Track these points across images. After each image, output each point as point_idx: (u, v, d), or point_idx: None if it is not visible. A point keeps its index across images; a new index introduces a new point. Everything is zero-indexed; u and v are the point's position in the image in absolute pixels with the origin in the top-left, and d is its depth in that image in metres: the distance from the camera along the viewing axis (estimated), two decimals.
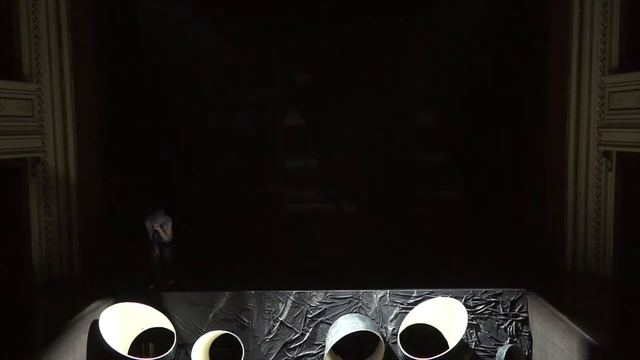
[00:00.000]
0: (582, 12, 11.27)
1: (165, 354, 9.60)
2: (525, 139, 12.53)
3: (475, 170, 13.08)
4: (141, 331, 10.10)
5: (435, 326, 10.16)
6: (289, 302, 10.11)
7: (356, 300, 10.13)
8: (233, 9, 12.69)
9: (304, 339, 10.09)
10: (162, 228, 10.73)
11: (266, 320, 10.06)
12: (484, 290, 10.10)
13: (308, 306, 10.12)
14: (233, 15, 12.78)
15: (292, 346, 10.03)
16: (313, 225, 13.55)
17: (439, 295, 10.04)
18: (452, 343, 9.62)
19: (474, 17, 12.68)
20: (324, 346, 9.98)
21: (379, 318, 10.08)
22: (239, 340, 9.83)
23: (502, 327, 10.00)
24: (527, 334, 9.97)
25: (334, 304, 10.14)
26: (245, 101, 13.30)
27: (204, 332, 9.96)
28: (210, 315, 10.03)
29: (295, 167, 13.91)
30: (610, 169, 11.09)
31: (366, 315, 10.05)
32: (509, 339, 9.95)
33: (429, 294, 10.08)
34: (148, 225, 10.77)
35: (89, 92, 11.87)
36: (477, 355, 9.93)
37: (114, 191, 12.42)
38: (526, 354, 9.86)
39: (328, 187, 14.01)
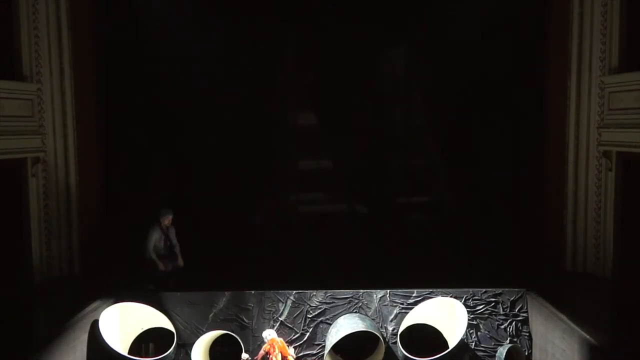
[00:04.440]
0: (582, 12, 11.27)
1: (165, 354, 9.60)
2: (525, 139, 12.52)
3: (475, 170, 13.06)
4: (141, 331, 10.10)
5: (435, 326, 10.16)
6: (289, 302, 10.11)
7: (356, 300, 10.13)
8: (237, 7, 12.67)
9: (304, 339, 10.09)
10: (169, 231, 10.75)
11: (266, 320, 10.05)
12: (484, 290, 10.10)
13: (308, 306, 10.12)
14: (236, 14, 12.75)
15: (292, 346, 10.01)
16: (313, 226, 13.55)
17: (439, 295, 10.04)
18: (452, 343, 9.62)
19: (473, 17, 12.67)
20: (324, 346, 9.98)
21: (379, 318, 10.08)
22: (239, 340, 9.83)
23: (502, 327, 10.00)
24: (527, 334, 9.97)
25: (334, 304, 10.14)
26: (249, 101, 13.27)
27: (204, 332, 9.96)
28: (210, 315, 10.04)
29: (297, 168, 13.88)
30: (610, 169, 11.09)
31: (366, 315, 10.06)
32: (509, 339, 9.95)
33: (429, 294, 10.08)
34: (156, 234, 10.68)
35: (89, 92, 11.87)
36: (477, 355, 9.93)
37: (114, 191, 12.41)
38: (526, 354, 9.86)
39: (329, 189, 14.01)
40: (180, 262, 10.89)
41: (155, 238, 10.70)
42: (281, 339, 9.77)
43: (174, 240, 10.87)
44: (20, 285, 10.79)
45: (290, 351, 9.82)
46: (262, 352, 9.62)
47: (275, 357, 9.51)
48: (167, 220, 10.76)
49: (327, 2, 12.92)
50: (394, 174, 13.86)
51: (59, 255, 11.52)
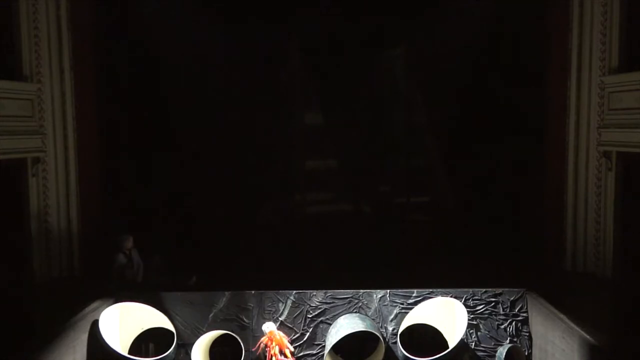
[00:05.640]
0: (582, 12, 11.27)
1: (165, 354, 9.60)
2: (525, 139, 12.51)
3: (475, 171, 13.06)
4: (141, 331, 10.10)
5: (435, 326, 10.16)
6: (289, 302, 10.11)
7: (356, 300, 10.13)
8: (238, 7, 12.66)
9: (304, 339, 10.09)
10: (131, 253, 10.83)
11: (266, 321, 10.03)
12: (484, 290, 10.09)
13: (308, 306, 10.12)
14: (238, 13, 12.73)
15: (292, 346, 10.01)
16: (312, 226, 13.56)
17: (439, 295, 10.04)
18: (452, 343, 9.62)
19: (473, 17, 12.68)
20: (324, 346, 9.99)
21: (379, 318, 10.08)
22: (239, 340, 9.83)
23: (502, 327, 10.00)
24: (527, 334, 9.97)
25: (334, 304, 10.14)
26: (250, 101, 13.26)
27: (204, 332, 9.96)
28: (210, 315, 10.04)
29: (298, 169, 13.89)
30: (610, 169, 11.09)
31: (366, 315, 10.06)
32: (509, 339, 9.95)
33: (429, 294, 10.08)
34: (121, 257, 10.75)
35: (89, 92, 11.87)
36: (477, 355, 9.93)
37: (114, 191, 12.41)
38: (526, 354, 9.86)
39: (329, 189, 14.02)
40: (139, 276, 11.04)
41: (118, 265, 10.72)
42: (280, 332, 9.78)
43: (139, 260, 10.95)
44: (20, 285, 10.79)
45: (290, 346, 9.81)
46: (261, 344, 9.65)
47: (273, 348, 9.54)
48: (128, 245, 10.81)
49: (329, 3, 12.93)
50: (393, 174, 13.86)
51: (59, 255, 11.52)
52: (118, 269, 10.68)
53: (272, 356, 9.60)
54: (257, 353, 9.70)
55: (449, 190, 13.69)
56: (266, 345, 9.63)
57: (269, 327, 9.74)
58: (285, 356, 9.69)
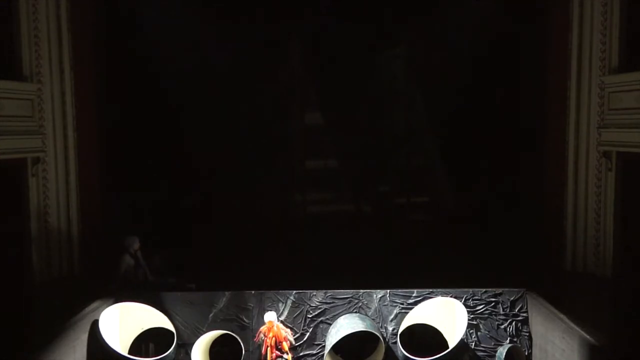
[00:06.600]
0: (582, 12, 11.27)
1: (165, 354, 9.61)
2: (525, 139, 12.52)
3: (475, 171, 13.07)
4: (141, 331, 10.11)
5: (435, 326, 10.17)
6: (289, 302, 10.11)
7: (356, 300, 10.14)
8: (239, 8, 12.65)
9: (304, 339, 10.09)
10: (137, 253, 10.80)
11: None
12: (484, 290, 10.10)
13: (308, 306, 10.12)
14: (238, 14, 12.73)
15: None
16: (312, 226, 13.56)
17: (439, 295, 10.05)
18: (452, 343, 9.62)
19: (473, 17, 12.68)
20: (324, 346, 9.99)
21: (379, 318, 10.08)
22: (239, 340, 9.84)
23: (502, 327, 10.00)
24: (527, 334, 9.97)
25: (334, 304, 10.14)
26: (251, 101, 13.26)
27: (204, 332, 9.96)
28: (210, 315, 10.04)
29: (298, 169, 13.88)
30: (610, 169, 11.09)
31: (366, 315, 10.06)
32: (509, 339, 9.96)
33: (429, 294, 10.08)
34: (127, 259, 10.71)
35: (89, 92, 11.87)
36: (477, 355, 9.94)
37: (114, 191, 12.41)
38: (526, 354, 9.87)
39: (329, 189, 14.02)
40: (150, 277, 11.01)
41: (126, 266, 10.70)
42: (279, 324, 9.77)
43: (143, 262, 10.93)
44: (21, 285, 10.79)
45: (289, 337, 9.81)
46: (260, 334, 9.66)
47: (270, 340, 9.54)
48: (136, 246, 10.80)
49: (330, 3, 12.93)
50: (393, 174, 13.86)
51: (59, 255, 11.51)
52: (125, 270, 10.66)
53: (267, 347, 9.59)
54: (256, 342, 9.70)
55: (449, 190, 13.69)
56: (264, 335, 9.63)
57: (269, 316, 9.72)
58: (282, 348, 9.67)
